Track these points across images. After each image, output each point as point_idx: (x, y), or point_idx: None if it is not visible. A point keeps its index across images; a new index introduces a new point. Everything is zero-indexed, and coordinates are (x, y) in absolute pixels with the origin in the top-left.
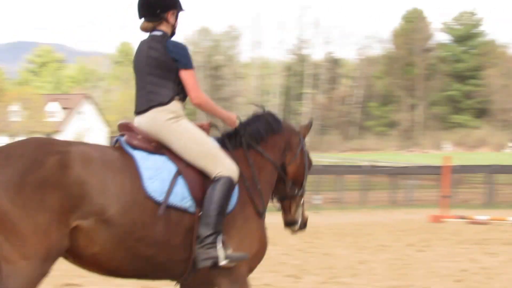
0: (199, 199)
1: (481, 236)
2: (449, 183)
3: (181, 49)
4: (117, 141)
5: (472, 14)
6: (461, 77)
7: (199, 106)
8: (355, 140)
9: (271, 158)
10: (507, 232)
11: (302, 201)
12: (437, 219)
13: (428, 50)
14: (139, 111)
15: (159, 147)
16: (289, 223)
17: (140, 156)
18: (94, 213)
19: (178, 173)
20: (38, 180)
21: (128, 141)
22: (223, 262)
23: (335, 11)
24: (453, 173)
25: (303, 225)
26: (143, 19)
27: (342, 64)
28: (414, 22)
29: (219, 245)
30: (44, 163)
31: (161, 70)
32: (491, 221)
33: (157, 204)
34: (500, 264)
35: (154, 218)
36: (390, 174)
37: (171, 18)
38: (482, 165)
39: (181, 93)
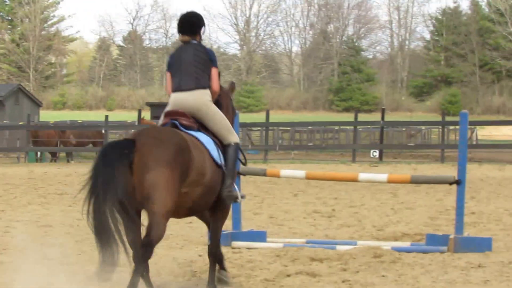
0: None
1: None
2: None
3: (214, 54)
4: (173, 124)
5: None
6: None
7: (215, 94)
8: None
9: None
10: None
11: None
12: None
13: None
14: (185, 89)
15: (199, 126)
16: None
17: (198, 135)
18: (196, 182)
19: (215, 143)
20: (182, 160)
21: (184, 124)
22: (239, 200)
23: None
24: None
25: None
26: (185, 33)
27: None
28: None
29: (236, 189)
30: (183, 148)
31: (203, 65)
32: None
33: (219, 166)
34: None
35: (218, 175)
36: None
37: (200, 33)
38: None
39: None
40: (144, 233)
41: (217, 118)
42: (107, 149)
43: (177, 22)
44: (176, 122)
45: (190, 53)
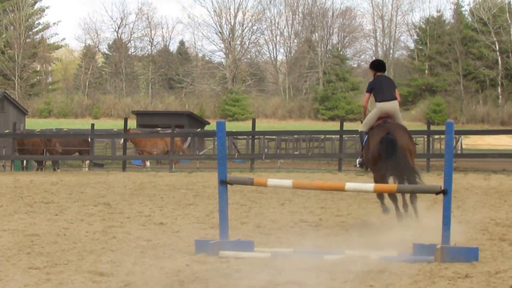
0: None
1: None
2: None
3: (394, 82)
4: (385, 122)
5: None
6: None
7: (399, 102)
8: None
9: None
10: None
11: None
12: None
13: None
14: (388, 100)
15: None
16: None
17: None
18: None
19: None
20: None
21: (393, 122)
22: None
23: None
24: None
25: None
26: (375, 69)
27: None
28: None
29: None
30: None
31: (393, 88)
32: None
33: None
34: None
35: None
36: None
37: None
38: None
39: None
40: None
41: (400, 116)
42: (390, 140)
43: (377, 63)
44: (387, 120)
45: (390, 82)
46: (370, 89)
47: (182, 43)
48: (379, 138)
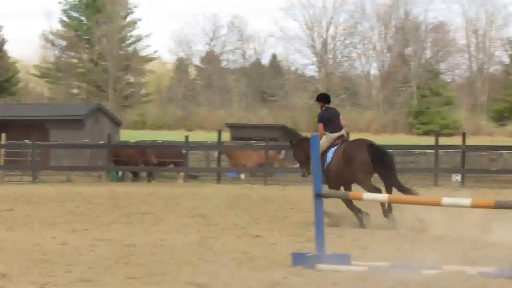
0: None
1: None
2: None
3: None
4: (342, 141)
5: None
6: None
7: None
8: None
9: None
10: None
11: None
12: None
13: None
14: (339, 131)
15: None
16: None
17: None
18: None
19: None
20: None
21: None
22: None
23: None
24: None
25: None
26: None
27: None
28: None
29: None
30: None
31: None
32: None
33: None
34: None
35: None
36: None
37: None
38: None
39: None
40: None
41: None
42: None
43: (324, 96)
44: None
45: (335, 112)
46: (324, 119)
47: (274, 56)
48: (361, 147)
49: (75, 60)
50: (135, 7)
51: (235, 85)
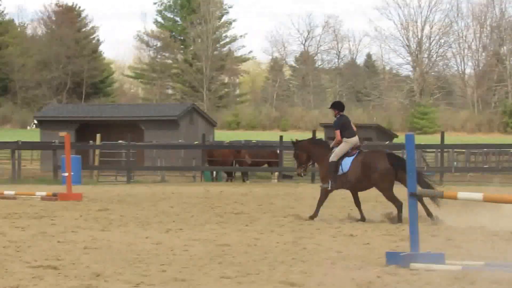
0: None
1: (9, 210)
2: None
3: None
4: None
5: None
6: None
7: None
8: None
9: None
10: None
11: None
12: None
13: None
14: (354, 135)
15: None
16: None
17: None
18: None
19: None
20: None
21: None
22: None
23: None
24: None
25: None
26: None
27: None
28: None
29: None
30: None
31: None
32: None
33: None
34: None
35: None
36: None
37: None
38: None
39: None
40: None
41: None
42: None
43: (338, 103)
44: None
45: (349, 119)
46: (340, 126)
47: (369, 56)
48: (381, 156)
49: (169, 61)
50: (230, 7)
51: (329, 85)
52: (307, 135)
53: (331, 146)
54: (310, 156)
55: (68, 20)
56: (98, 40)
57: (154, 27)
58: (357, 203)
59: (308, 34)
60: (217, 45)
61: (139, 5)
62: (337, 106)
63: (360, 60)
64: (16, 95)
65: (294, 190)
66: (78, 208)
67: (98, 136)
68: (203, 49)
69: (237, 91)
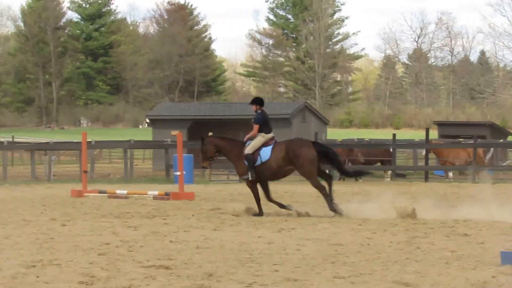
0: None
1: (121, 210)
2: (87, 158)
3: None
4: (275, 141)
5: None
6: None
7: None
8: None
9: None
10: (146, 206)
11: None
12: (78, 194)
13: (60, 28)
14: (271, 132)
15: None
16: None
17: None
18: None
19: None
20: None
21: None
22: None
23: None
24: (90, 149)
25: None
26: (258, 105)
27: None
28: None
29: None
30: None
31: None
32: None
33: None
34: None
35: None
36: (30, 149)
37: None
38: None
39: None
40: None
41: None
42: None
43: (258, 100)
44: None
45: (267, 114)
46: (259, 122)
47: (482, 53)
48: (307, 143)
49: (281, 59)
50: (343, 4)
51: (443, 82)
52: (421, 134)
53: (244, 139)
54: (222, 151)
55: (180, 18)
56: (210, 38)
57: (266, 25)
58: (268, 195)
59: (421, 31)
60: (330, 42)
61: (251, 3)
62: (258, 102)
63: (474, 57)
64: (128, 94)
65: (408, 189)
66: (190, 208)
67: (210, 134)
68: (315, 46)
69: (350, 89)
